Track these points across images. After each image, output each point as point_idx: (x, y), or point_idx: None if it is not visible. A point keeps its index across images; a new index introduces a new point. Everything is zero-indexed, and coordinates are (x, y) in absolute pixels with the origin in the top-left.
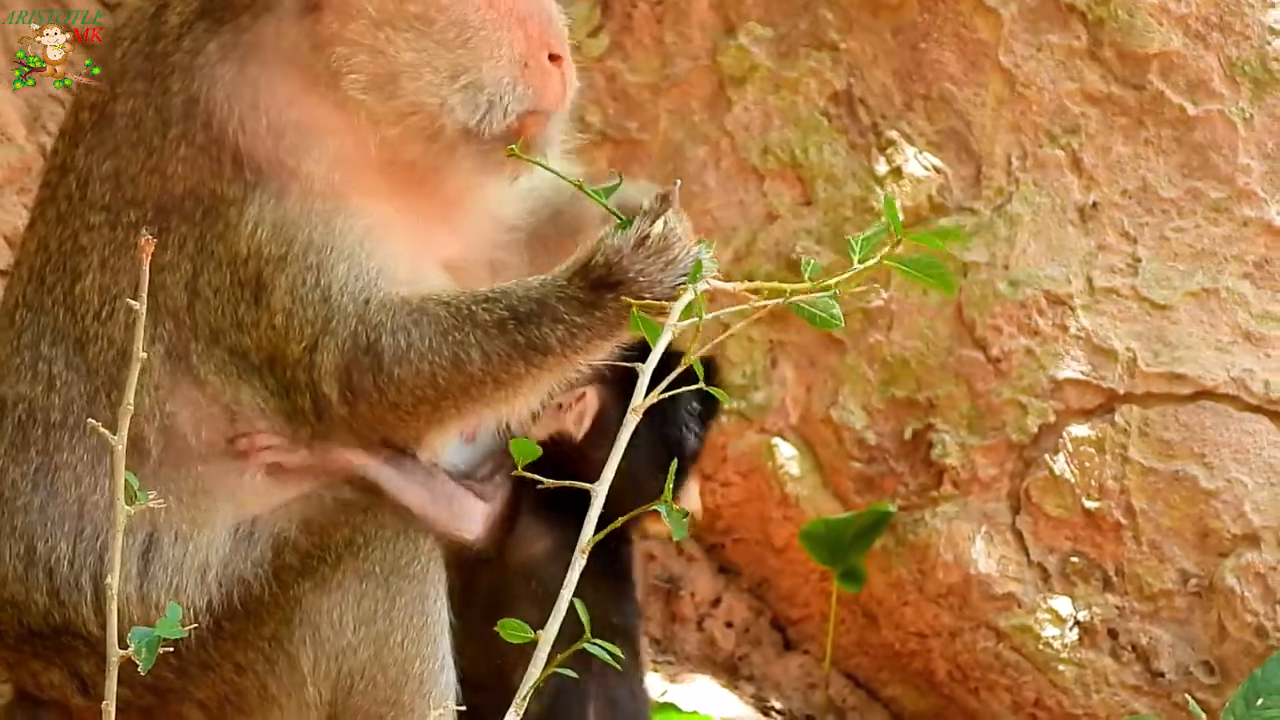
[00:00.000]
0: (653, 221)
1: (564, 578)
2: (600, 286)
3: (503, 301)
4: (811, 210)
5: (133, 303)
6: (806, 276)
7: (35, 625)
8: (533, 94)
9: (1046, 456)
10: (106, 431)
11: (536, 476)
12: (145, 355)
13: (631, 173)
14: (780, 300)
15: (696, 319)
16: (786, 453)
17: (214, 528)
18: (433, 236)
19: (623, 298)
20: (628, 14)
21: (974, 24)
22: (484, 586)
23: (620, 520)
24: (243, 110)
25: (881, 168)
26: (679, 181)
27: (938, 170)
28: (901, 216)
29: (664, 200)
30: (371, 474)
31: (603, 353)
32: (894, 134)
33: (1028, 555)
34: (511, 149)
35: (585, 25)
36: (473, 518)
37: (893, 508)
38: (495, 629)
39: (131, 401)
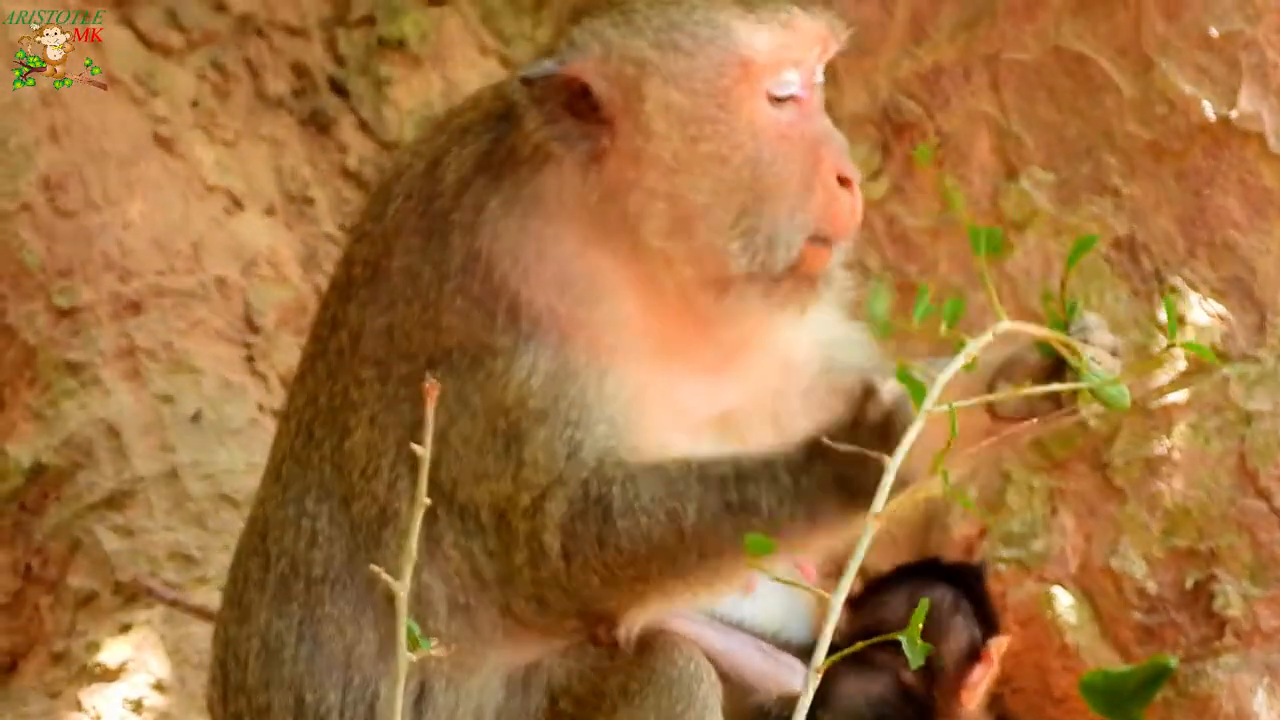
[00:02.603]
0: (869, 403)
1: None
2: (813, 455)
3: (731, 461)
4: None
5: (417, 448)
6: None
7: None
8: (817, 219)
9: None
10: (389, 576)
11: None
12: (400, 510)
13: (908, 317)
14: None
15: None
16: (1065, 602)
17: (485, 675)
18: (712, 386)
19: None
20: (908, 157)
21: (1259, 170)
22: None
23: (858, 646)
24: (527, 261)
25: (1164, 315)
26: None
27: (1221, 318)
28: (1184, 365)
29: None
30: (705, 642)
31: (813, 539)
32: (1177, 280)
33: None
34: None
35: (865, 168)
36: (797, 677)
37: (1174, 661)
38: None
39: (415, 548)
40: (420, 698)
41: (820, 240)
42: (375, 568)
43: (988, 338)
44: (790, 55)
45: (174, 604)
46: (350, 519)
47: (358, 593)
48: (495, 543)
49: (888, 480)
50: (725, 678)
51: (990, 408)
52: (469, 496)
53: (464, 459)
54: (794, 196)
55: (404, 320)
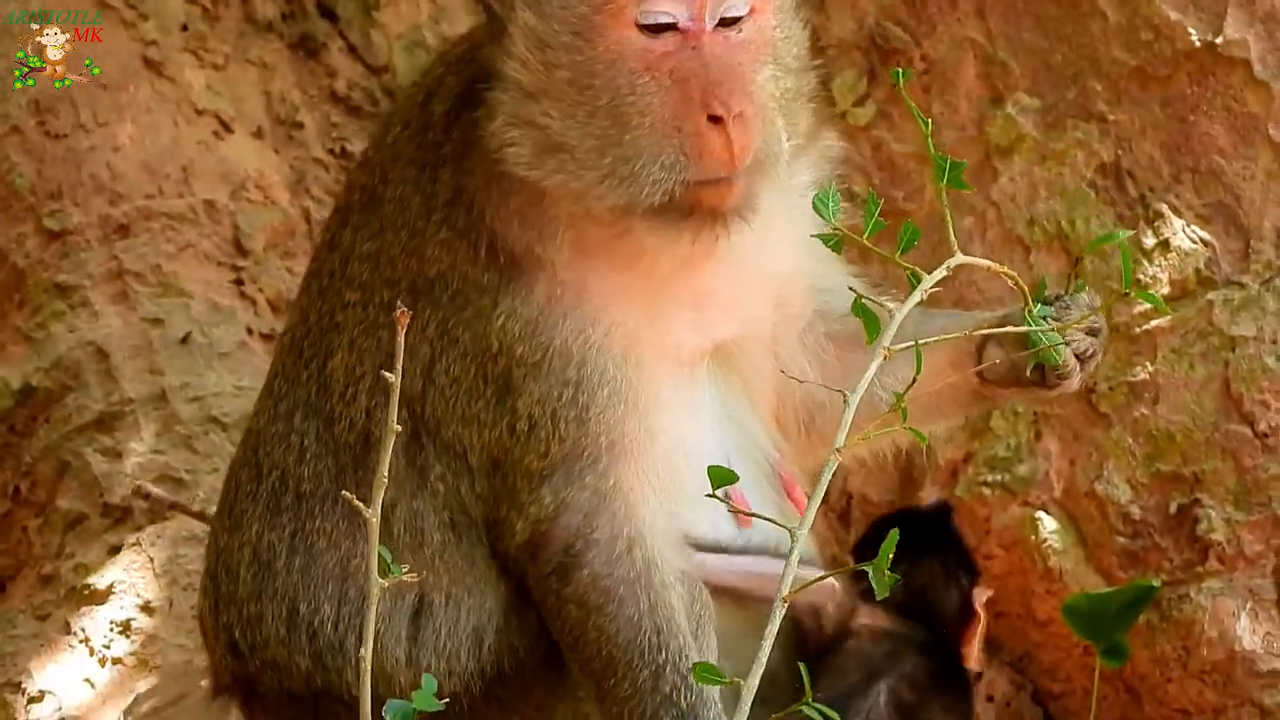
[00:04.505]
0: None
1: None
2: None
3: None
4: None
5: (387, 375)
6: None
7: (296, 689)
8: (688, 161)
9: None
10: (360, 504)
11: (721, 498)
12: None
13: (892, 246)
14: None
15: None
16: (1050, 526)
17: (484, 595)
18: (699, 318)
19: None
20: (894, 83)
21: (1244, 97)
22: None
23: (823, 577)
24: (500, 199)
25: (1149, 240)
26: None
27: (1205, 243)
28: (1168, 289)
29: None
30: (711, 572)
31: None
32: (1162, 206)
33: None
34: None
35: (851, 94)
36: (820, 590)
37: (1157, 583)
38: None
39: (386, 474)
40: (419, 611)
41: (702, 185)
42: (347, 494)
43: (941, 273)
44: None
45: (174, 507)
46: (334, 439)
47: (349, 507)
48: (484, 488)
49: (848, 417)
50: (747, 597)
51: (979, 371)
52: (455, 435)
53: (451, 398)
54: (655, 131)
55: (390, 247)
